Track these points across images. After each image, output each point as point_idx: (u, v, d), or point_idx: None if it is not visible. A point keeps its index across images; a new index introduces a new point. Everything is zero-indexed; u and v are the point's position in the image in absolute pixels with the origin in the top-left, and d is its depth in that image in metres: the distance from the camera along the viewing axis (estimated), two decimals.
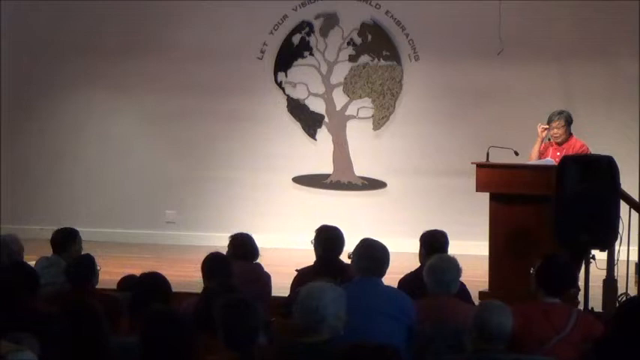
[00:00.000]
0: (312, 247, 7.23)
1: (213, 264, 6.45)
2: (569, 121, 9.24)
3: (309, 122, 12.67)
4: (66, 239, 7.37)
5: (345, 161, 12.61)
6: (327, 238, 7.19)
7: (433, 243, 6.93)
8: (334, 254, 7.01)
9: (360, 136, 12.54)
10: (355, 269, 5.65)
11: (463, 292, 6.71)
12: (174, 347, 4.22)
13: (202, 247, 10.51)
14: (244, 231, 7.64)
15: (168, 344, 4.21)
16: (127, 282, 6.70)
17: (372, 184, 12.55)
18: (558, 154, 8.94)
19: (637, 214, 8.42)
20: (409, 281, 6.49)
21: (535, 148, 9.23)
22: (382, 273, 5.59)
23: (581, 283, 7.81)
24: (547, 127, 9.20)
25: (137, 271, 5.95)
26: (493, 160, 8.76)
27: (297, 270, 7.10)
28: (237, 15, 12.59)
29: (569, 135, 9.23)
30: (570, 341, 5.31)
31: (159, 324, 4.28)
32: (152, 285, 5.53)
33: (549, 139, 9.28)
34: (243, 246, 7.42)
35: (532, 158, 9.15)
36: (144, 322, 4.33)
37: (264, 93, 12.64)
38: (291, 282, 7.24)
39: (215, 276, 6.25)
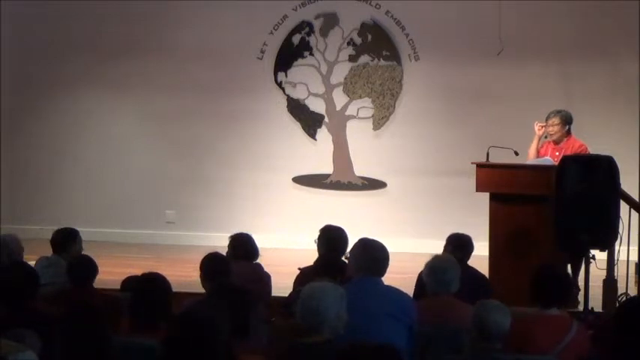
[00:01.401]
0: (312, 247, 7.26)
1: (212, 264, 6.46)
2: (566, 121, 9.22)
3: (309, 122, 12.67)
4: (66, 239, 7.37)
5: (345, 161, 12.60)
6: (331, 238, 7.22)
7: (460, 244, 6.99)
8: (336, 254, 7.02)
9: (360, 136, 12.54)
10: (354, 269, 5.62)
11: (485, 287, 6.77)
12: (198, 351, 4.16)
13: (202, 247, 10.50)
14: (244, 231, 7.65)
15: (193, 348, 4.16)
16: (130, 282, 6.72)
17: (372, 184, 12.55)
18: (557, 153, 8.94)
19: (637, 214, 8.43)
20: None
21: (532, 147, 9.23)
22: (382, 272, 5.58)
23: (581, 283, 7.83)
24: (543, 124, 9.20)
25: (137, 271, 5.95)
26: (493, 160, 8.76)
27: (299, 269, 7.10)
28: (237, 15, 12.59)
29: (568, 134, 9.22)
30: (569, 352, 5.31)
31: (184, 327, 4.23)
32: (152, 285, 5.53)
33: (546, 137, 9.29)
34: (243, 246, 7.44)
35: (530, 157, 9.15)
36: (168, 325, 4.29)
37: (264, 93, 12.63)
38: (291, 282, 7.25)
39: (214, 276, 6.28)
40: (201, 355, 4.14)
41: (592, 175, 7.57)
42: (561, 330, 5.36)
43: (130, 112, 12.98)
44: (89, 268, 6.59)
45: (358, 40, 12.55)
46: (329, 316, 4.73)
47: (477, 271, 7.06)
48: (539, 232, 8.17)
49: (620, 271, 8.27)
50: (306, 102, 12.66)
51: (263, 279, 7.37)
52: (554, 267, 6.02)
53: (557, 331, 5.36)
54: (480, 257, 8.40)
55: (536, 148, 9.19)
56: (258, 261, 7.50)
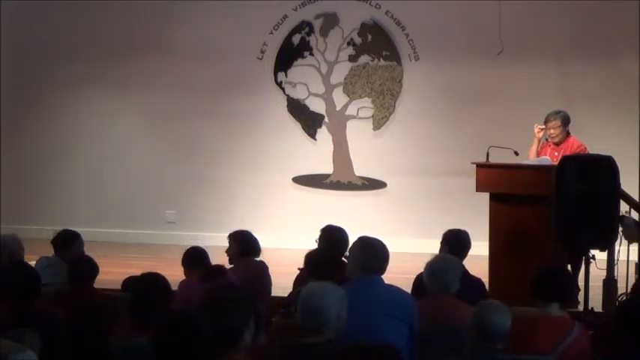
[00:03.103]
0: (312, 247, 7.24)
1: (193, 256, 6.67)
2: (565, 122, 9.23)
3: (309, 122, 12.67)
4: (68, 240, 7.37)
5: (345, 161, 12.60)
6: (332, 238, 7.23)
7: (457, 242, 6.97)
8: (335, 255, 7.02)
9: (360, 136, 12.54)
10: (355, 268, 5.60)
11: (479, 287, 6.76)
12: (187, 350, 4.17)
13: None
14: None
15: (182, 347, 4.17)
16: (130, 282, 6.74)
17: (372, 184, 12.55)
18: (556, 154, 8.95)
19: (637, 214, 8.43)
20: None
21: (532, 149, 9.24)
22: (383, 271, 5.56)
23: (581, 283, 7.82)
24: (543, 127, 9.20)
25: (137, 271, 5.96)
26: (493, 160, 8.76)
27: (299, 268, 7.10)
28: (237, 15, 12.59)
29: (567, 135, 9.22)
30: (570, 353, 5.31)
31: (173, 326, 4.23)
32: (152, 285, 5.54)
33: (547, 139, 9.29)
34: (248, 243, 7.53)
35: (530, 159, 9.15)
36: (157, 324, 4.30)
37: (264, 93, 12.63)
38: (291, 282, 7.26)
39: (194, 267, 6.67)
40: (189, 355, 4.14)
41: (592, 175, 7.57)
42: (562, 331, 5.36)
43: (130, 112, 12.98)
44: (90, 268, 6.60)
45: (358, 40, 12.55)
46: (330, 316, 4.73)
47: (470, 274, 7.01)
48: (539, 232, 8.16)
49: (620, 271, 8.26)
50: (306, 102, 12.66)
51: (267, 277, 7.46)
52: (556, 265, 6.03)
53: (558, 332, 5.35)
54: (480, 257, 8.42)
55: (536, 150, 9.20)
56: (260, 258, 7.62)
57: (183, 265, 7.15)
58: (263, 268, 7.55)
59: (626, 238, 7.92)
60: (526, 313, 5.61)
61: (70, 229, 7.61)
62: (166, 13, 12.70)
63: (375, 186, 12.54)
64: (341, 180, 12.62)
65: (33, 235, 10.37)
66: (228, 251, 7.62)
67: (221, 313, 4.51)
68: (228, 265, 7.44)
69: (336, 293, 4.80)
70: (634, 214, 8.32)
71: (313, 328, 4.72)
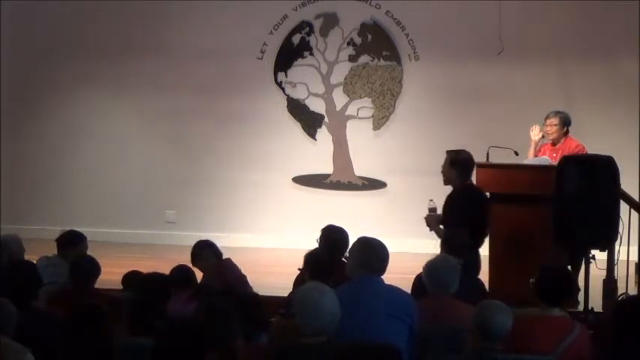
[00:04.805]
0: (312, 247, 7.25)
1: (181, 276, 6.67)
2: (564, 122, 9.25)
3: (309, 122, 12.67)
4: (72, 242, 7.37)
5: (345, 161, 12.60)
6: (331, 239, 7.23)
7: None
8: (335, 255, 7.03)
9: (360, 136, 12.54)
10: (355, 268, 5.61)
11: (479, 287, 6.76)
12: (186, 355, 4.17)
13: None
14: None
15: (181, 352, 4.17)
16: (132, 278, 6.76)
17: (372, 184, 12.55)
18: (555, 155, 8.96)
19: (637, 214, 8.43)
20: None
21: (530, 152, 9.27)
22: (383, 271, 5.57)
23: (581, 283, 7.82)
24: (535, 127, 9.27)
25: None
26: (493, 160, 8.76)
27: (299, 269, 7.10)
28: (237, 15, 12.58)
29: (565, 136, 9.24)
30: (570, 353, 5.31)
31: (171, 332, 4.24)
32: (152, 285, 5.54)
33: (543, 137, 9.31)
34: (217, 249, 7.58)
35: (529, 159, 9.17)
36: (156, 329, 4.30)
37: (264, 93, 12.63)
38: (291, 282, 7.28)
39: (183, 286, 6.58)
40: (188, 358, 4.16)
41: (592, 175, 7.57)
42: (562, 331, 5.36)
43: (130, 112, 12.98)
44: (92, 268, 6.60)
45: (358, 40, 12.55)
46: (327, 317, 4.73)
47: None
48: (539, 232, 8.16)
49: (620, 271, 8.26)
50: (306, 102, 12.66)
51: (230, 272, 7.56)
52: (557, 266, 6.02)
53: (558, 332, 5.35)
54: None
55: (534, 153, 9.22)
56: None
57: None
58: (233, 265, 7.62)
59: (427, 224, 8.07)
60: (526, 313, 5.61)
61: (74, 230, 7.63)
62: (165, 13, 12.69)
63: (375, 186, 12.54)
64: (341, 180, 12.62)
65: (33, 235, 10.37)
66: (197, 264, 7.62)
67: (218, 314, 4.52)
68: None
69: (331, 293, 4.82)
70: (634, 214, 8.33)
71: (311, 329, 4.72)
